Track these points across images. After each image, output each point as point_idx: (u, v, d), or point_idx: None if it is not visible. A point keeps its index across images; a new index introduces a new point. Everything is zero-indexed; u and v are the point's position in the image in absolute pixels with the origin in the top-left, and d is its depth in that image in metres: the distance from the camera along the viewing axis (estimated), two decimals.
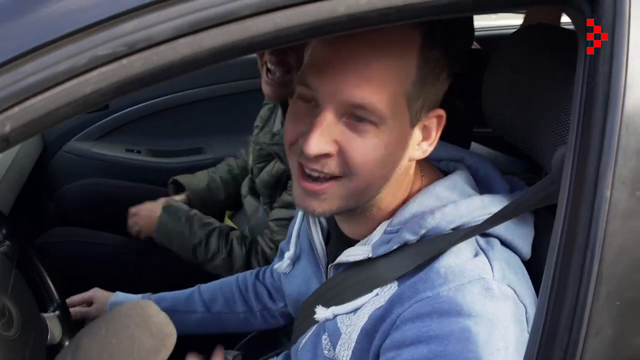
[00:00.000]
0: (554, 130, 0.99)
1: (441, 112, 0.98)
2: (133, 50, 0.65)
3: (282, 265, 1.28)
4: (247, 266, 1.78)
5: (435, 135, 0.99)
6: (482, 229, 0.95)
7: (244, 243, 1.81)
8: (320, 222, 1.19)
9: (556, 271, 0.72)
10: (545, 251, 0.99)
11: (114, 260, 1.89)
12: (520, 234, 1.00)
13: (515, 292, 0.92)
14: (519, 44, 1.18)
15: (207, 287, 1.57)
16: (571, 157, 0.74)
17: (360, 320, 0.99)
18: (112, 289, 1.58)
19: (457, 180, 1.03)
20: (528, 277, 0.99)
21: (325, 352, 1.06)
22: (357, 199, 0.97)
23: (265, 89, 1.62)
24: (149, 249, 1.89)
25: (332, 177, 0.94)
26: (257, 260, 1.77)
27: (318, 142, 0.89)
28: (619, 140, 0.69)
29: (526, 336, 0.89)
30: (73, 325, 1.33)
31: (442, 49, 0.93)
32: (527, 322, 0.92)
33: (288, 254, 1.27)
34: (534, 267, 0.99)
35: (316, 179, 0.95)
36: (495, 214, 0.93)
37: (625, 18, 0.71)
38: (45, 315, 1.29)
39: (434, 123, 0.98)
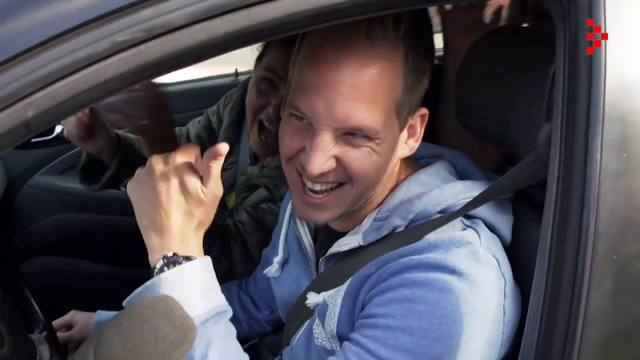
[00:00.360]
0: (531, 122, 1.05)
1: (424, 110, 1.04)
2: (151, 36, 0.68)
3: (271, 269, 1.30)
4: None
5: (420, 132, 1.05)
6: (468, 209, 0.99)
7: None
8: (307, 223, 1.22)
9: (554, 232, 0.76)
10: (522, 237, 1.05)
11: (91, 286, 1.86)
12: (502, 219, 1.05)
13: (498, 263, 0.97)
14: (486, 49, 1.25)
15: None
16: (559, 130, 0.80)
17: (344, 285, 1.02)
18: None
19: (440, 169, 1.09)
20: (506, 256, 1.03)
21: (318, 341, 1.07)
22: (356, 202, 1.03)
23: (256, 147, 1.64)
24: (125, 275, 1.87)
25: (332, 188, 1.00)
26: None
27: (320, 163, 0.94)
28: (604, 108, 0.75)
29: (501, 311, 0.94)
30: (60, 347, 1.31)
31: (423, 55, 0.99)
32: (504, 295, 0.96)
33: (277, 259, 1.29)
34: (510, 250, 1.04)
35: (316, 192, 1.00)
36: (481, 193, 0.99)
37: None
38: (32, 336, 1.27)
39: (419, 121, 1.04)
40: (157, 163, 0.93)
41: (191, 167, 0.94)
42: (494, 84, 1.18)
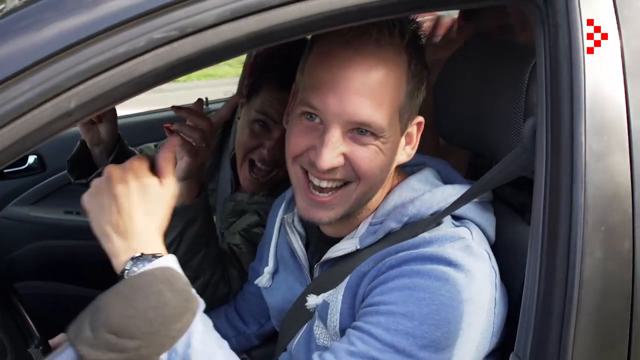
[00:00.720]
0: (511, 123, 1.14)
1: (420, 118, 1.12)
2: (183, 34, 0.74)
3: (262, 280, 1.33)
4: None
5: (416, 140, 1.13)
6: (459, 205, 1.06)
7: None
8: (298, 231, 1.27)
9: (545, 209, 0.85)
10: (504, 234, 1.13)
11: (77, 309, 1.85)
12: (487, 219, 1.12)
13: (489, 257, 1.04)
14: (463, 59, 1.35)
15: None
16: (544, 121, 0.89)
17: (344, 282, 1.07)
18: None
19: (427, 175, 1.17)
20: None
21: (320, 341, 1.11)
22: (360, 202, 1.09)
23: (247, 184, 1.68)
24: None
25: (338, 187, 1.06)
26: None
27: (330, 158, 1.01)
28: (585, 99, 0.84)
29: (493, 301, 1.00)
30: None
31: (422, 64, 1.08)
32: (495, 287, 1.02)
33: (267, 269, 1.33)
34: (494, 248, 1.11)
35: (322, 190, 1.06)
36: (470, 189, 1.06)
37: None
38: (29, 350, 1.28)
39: (415, 129, 1.12)
40: (114, 171, 0.96)
41: (147, 170, 0.98)
42: (472, 92, 1.27)
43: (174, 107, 1.36)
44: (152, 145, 2.11)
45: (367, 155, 1.02)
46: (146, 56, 0.73)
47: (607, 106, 0.85)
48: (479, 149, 1.28)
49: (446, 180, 1.21)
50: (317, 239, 1.23)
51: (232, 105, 1.53)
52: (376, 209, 1.13)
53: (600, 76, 0.85)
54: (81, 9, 0.71)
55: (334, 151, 1.00)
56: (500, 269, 1.07)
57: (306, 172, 1.06)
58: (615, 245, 0.82)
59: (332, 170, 1.02)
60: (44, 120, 0.69)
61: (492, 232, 1.12)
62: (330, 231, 1.18)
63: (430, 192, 1.10)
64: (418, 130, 1.13)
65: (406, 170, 1.24)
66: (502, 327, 1.05)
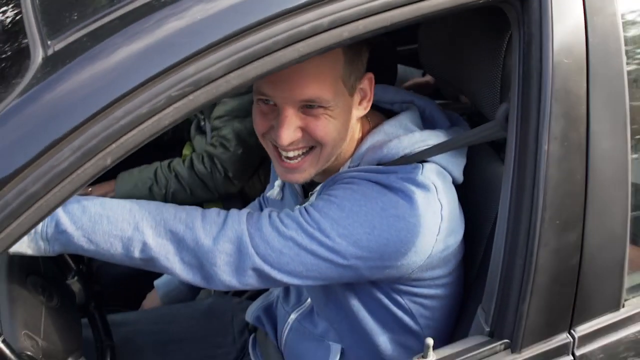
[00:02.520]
0: (489, 86, 1.24)
1: (370, 75, 1.22)
2: (197, 88, 0.84)
3: (273, 192, 1.49)
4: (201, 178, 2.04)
5: (370, 93, 1.23)
6: (422, 157, 1.19)
7: (188, 162, 2.07)
8: None
9: (511, 203, 1.00)
10: (480, 170, 1.28)
11: None
12: (453, 162, 1.24)
13: (436, 189, 1.14)
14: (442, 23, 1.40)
15: None
16: (515, 116, 1.00)
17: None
18: None
19: (402, 119, 1.28)
20: (454, 192, 1.20)
21: None
22: (327, 160, 1.22)
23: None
24: None
25: (305, 153, 1.19)
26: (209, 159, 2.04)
27: (288, 135, 1.14)
28: (551, 108, 0.96)
29: (435, 230, 1.12)
30: (93, 286, 1.51)
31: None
32: (441, 218, 1.13)
33: (277, 182, 1.48)
34: (462, 188, 1.24)
35: (291, 158, 1.20)
36: (440, 144, 1.19)
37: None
38: (68, 282, 1.47)
39: (367, 84, 1.22)
40: None
41: None
42: (452, 52, 1.35)
43: None
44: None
45: (319, 124, 1.15)
46: (166, 111, 0.83)
47: (571, 116, 0.97)
48: (460, 89, 1.39)
49: (429, 119, 1.33)
50: (309, 183, 1.38)
51: None
52: (353, 153, 1.26)
53: (566, 88, 0.96)
54: (106, 75, 0.80)
55: (290, 128, 1.13)
56: (473, 201, 1.24)
57: (275, 146, 1.19)
58: (566, 237, 0.99)
59: (293, 142, 1.16)
60: (85, 178, 0.81)
61: (457, 174, 1.24)
62: (317, 177, 1.32)
63: (398, 139, 1.22)
64: (370, 84, 1.23)
65: (394, 107, 1.36)
66: (456, 254, 1.21)
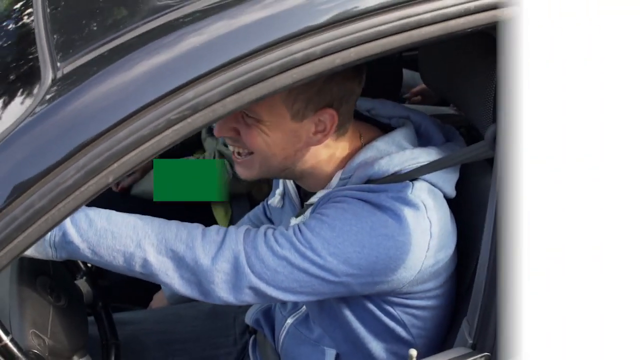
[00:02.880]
0: (481, 99, 1.28)
1: (332, 112, 1.22)
2: (195, 111, 0.89)
3: (274, 200, 1.54)
4: None
5: (330, 129, 1.24)
6: (412, 175, 1.22)
7: None
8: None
9: (496, 219, 1.04)
10: (472, 184, 1.32)
11: None
12: (444, 178, 1.27)
13: (425, 208, 1.17)
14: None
15: None
16: (502, 137, 1.04)
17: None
18: None
19: (396, 136, 1.31)
20: (447, 208, 1.23)
21: None
22: (269, 169, 1.27)
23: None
24: None
25: (246, 154, 1.26)
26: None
27: (220, 127, 1.23)
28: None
29: (425, 246, 1.15)
30: (100, 286, 1.58)
31: None
32: (431, 236, 1.16)
33: (278, 191, 1.53)
34: (456, 203, 1.28)
35: (237, 155, 1.28)
36: (427, 165, 1.22)
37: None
38: (76, 282, 1.53)
39: (328, 119, 1.23)
40: None
41: None
42: (448, 73, 1.39)
43: None
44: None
45: (249, 132, 1.21)
46: (166, 132, 0.88)
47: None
48: (458, 107, 1.44)
49: (424, 134, 1.37)
50: (305, 193, 1.43)
51: None
52: (345, 165, 1.30)
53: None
54: (107, 97, 0.86)
55: (224, 124, 1.22)
56: (467, 213, 1.28)
57: None
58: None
59: (233, 141, 1.25)
60: (88, 195, 0.87)
61: (449, 189, 1.27)
62: (305, 186, 1.38)
63: (389, 156, 1.24)
64: (332, 121, 1.23)
65: (392, 122, 1.40)
66: (447, 267, 1.25)
